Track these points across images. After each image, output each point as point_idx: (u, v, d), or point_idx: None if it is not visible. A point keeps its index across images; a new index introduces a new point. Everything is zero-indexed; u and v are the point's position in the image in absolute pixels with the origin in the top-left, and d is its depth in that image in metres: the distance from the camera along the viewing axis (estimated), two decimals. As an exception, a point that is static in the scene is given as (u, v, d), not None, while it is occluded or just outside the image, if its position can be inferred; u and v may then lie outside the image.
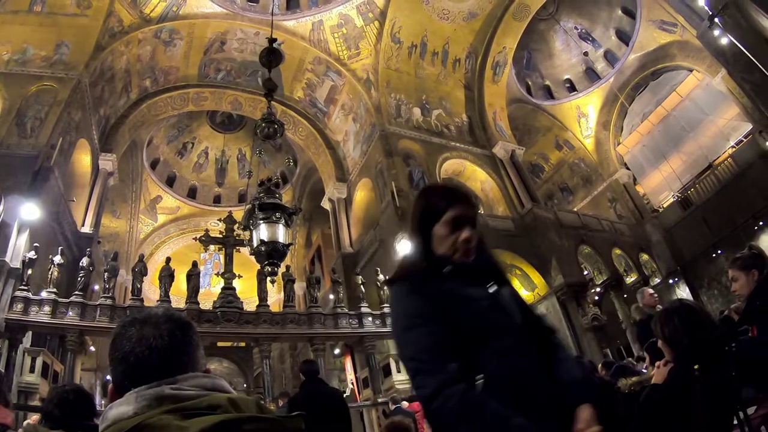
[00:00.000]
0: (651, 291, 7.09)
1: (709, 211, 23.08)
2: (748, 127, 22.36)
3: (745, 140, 22.81)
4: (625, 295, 23.13)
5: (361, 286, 17.95)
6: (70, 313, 13.50)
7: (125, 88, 22.23)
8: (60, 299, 13.58)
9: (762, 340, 2.96)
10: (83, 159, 20.22)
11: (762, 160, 20.53)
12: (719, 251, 21.96)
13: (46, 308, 13.20)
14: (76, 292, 13.90)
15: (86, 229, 19.46)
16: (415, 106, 24.42)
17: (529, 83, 29.96)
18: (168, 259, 16.41)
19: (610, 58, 28.21)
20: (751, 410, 3.08)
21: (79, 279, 14.35)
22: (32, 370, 12.69)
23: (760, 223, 20.40)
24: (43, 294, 13.49)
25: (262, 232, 6.11)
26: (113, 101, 21.78)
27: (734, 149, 23.40)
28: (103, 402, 14.80)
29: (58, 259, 14.24)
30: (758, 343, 2.97)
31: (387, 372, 16.96)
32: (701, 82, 24.53)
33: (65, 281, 14.75)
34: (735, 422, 2.69)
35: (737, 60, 16.90)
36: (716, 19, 16.62)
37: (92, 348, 15.67)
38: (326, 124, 26.60)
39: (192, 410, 1.01)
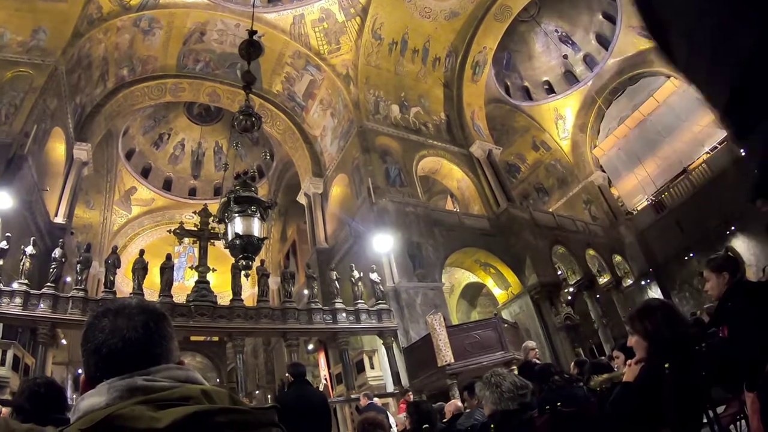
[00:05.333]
0: None
1: (682, 214, 23.54)
2: (723, 134, 22.70)
3: (719, 147, 23.23)
4: (598, 296, 23.47)
5: (336, 282, 17.91)
6: (42, 305, 13.25)
7: (102, 77, 21.86)
8: (31, 291, 13.31)
9: (732, 341, 3.04)
10: (58, 148, 19.89)
11: (735, 166, 20.82)
12: (691, 254, 22.40)
13: (17, 300, 12.93)
14: (48, 284, 13.65)
15: (59, 219, 19.17)
16: (394, 103, 24.43)
17: (508, 84, 30.15)
18: (142, 252, 16.16)
19: (589, 61, 28.52)
20: (720, 409, 3.17)
21: (51, 270, 14.04)
22: (2, 363, 12.48)
23: (732, 227, 20.84)
24: (15, 285, 13.22)
25: (237, 225, 6.08)
26: (90, 89, 21.42)
27: (709, 155, 23.83)
28: (74, 396, 14.63)
29: (30, 249, 13.95)
30: (728, 344, 3.05)
31: (360, 368, 17.02)
32: (678, 88, 24.86)
33: (37, 272, 14.44)
34: (705, 421, 2.77)
35: (713, 67, 17.14)
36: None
37: (64, 341, 15.41)
38: (304, 119, 26.50)
39: (164, 401, 1.01)
